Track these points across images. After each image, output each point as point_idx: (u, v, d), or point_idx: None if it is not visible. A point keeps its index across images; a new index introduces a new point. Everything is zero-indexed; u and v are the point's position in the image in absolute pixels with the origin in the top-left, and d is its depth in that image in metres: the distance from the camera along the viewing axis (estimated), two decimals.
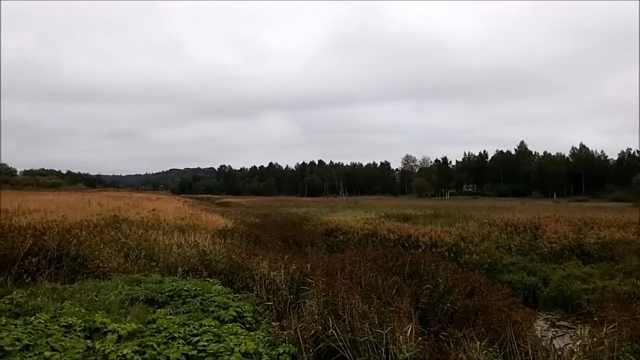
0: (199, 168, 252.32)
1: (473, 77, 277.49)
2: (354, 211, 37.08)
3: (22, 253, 9.98)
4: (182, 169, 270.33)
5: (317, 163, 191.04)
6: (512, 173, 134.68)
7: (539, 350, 5.92)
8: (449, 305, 7.83)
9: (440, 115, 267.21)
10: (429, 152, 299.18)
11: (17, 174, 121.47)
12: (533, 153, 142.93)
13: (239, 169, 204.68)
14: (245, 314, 7.43)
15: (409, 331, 5.81)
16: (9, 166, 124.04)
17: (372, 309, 6.46)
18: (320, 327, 6.37)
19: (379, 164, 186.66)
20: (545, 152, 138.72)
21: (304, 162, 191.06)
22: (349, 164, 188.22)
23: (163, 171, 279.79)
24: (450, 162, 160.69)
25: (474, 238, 21.42)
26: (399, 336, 5.71)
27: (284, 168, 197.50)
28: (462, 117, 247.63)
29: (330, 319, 6.37)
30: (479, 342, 5.92)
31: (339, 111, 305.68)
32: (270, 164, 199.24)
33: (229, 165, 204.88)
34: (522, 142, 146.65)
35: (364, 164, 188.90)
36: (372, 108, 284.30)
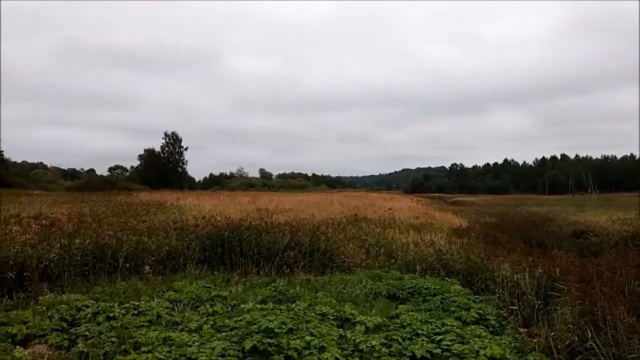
0: (429, 167, 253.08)
1: None
2: (607, 210, 32.59)
3: (282, 247, 11.43)
4: (413, 168, 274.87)
5: (559, 157, 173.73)
6: None
7: None
8: None
9: None
10: None
11: (273, 177, 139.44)
12: None
13: (471, 166, 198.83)
14: (488, 317, 7.15)
15: None
16: (267, 170, 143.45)
17: None
18: (576, 338, 5.76)
19: (638, 155, 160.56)
20: None
21: (543, 157, 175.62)
22: (599, 157, 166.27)
23: (395, 171, 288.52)
24: None
25: None
26: None
27: (520, 164, 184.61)
28: None
29: (588, 330, 5.71)
30: None
31: (582, 99, 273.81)
32: (505, 160, 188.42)
33: (461, 163, 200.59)
34: None
35: (619, 157, 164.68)
36: (624, 93, 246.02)
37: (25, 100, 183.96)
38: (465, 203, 62.35)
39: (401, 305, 7.89)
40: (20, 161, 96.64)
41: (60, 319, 6.52)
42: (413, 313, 7.19)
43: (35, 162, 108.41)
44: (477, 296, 8.59)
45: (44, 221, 12.49)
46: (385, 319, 6.87)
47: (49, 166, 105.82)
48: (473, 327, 6.49)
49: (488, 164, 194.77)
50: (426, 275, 10.27)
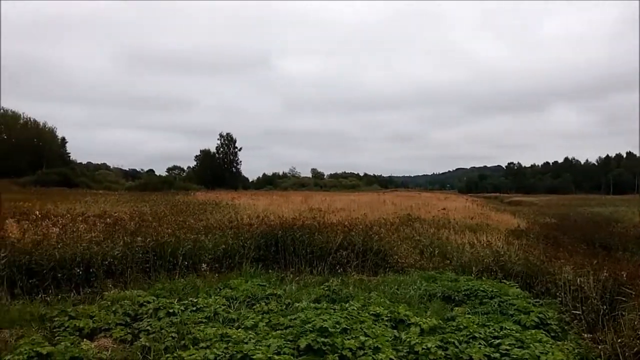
0: (485, 166, 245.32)
1: None
2: None
3: (334, 247, 11.45)
4: (468, 167, 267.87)
5: (624, 155, 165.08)
6: None
7: None
8: None
9: None
10: None
11: (325, 177, 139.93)
12: None
13: (529, 165, 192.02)
14: (549, 321, 6.90)
15: None
16: (319, 170, 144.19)
17: None
18: None
19: None
20: None
21: (607, 155, 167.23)
22: None
23: (449, 170, 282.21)
24: None
25: None
26: None
27: (582, 163, 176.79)
28: None
29: None
30: None
31: None
32: (566, 158, 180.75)
33: (518, 162, 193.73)
34: None
35: None
36: None
37: (90, 104, 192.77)
38: (523, 203, 60.23)
39: (457, 308, 7.74)
40: (85, 162, 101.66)
41: (124, 313, 6.82)
42: (470, 316, 7.05)
43: (99, 163, 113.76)
44: (537, 300, 8.30)
45: (107, 220, 13.08)
46: (440, 321, 6.77)
47: (111, 167, 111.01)
48: (533, 331, 6.28)
49: (547, 162, 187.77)
50: (483, 277, 10.00)
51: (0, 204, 18.16)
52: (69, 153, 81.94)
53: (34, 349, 5.09)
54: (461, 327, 6.35)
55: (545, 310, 7.30)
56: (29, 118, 73.59)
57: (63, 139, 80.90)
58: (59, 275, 8.74)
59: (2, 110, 69.77)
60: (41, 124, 75.21)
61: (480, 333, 6.07)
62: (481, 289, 8.49)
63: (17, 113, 72.49)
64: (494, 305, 7.69)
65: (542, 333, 6.24)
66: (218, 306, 7.23)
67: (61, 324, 6.37)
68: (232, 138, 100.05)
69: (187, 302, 7.37)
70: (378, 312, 6.93)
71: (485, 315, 7.19)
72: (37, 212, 13.56)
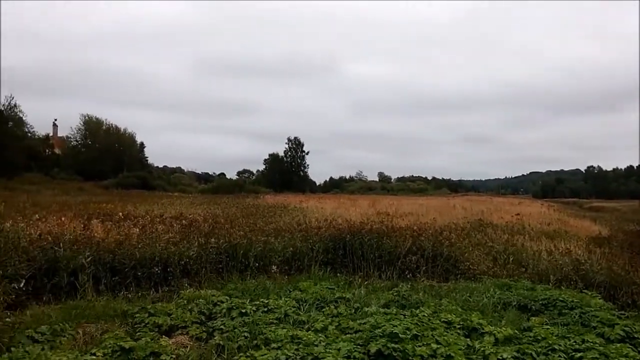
0: (562, 170, 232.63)
1: None
2: None
3: (403, 251, 11.31)
4: (543, 171, 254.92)
5: None
6: None
7: None
8: None
9: None
10: None
11: (392, 180, 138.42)
12: None
13: (610, 169, 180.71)
14: (636, 335, 6.45)
15: None
16: (386, 174, 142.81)
17: None
18: None
19: None
20: None
21: None
22: None
23: (523, 174, 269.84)
24: None
25: None
26: None
27: None
28: None
29: None
30: None
31: None
32: None
33: (598, 166, 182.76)
34: None
35: None
36: None
37: (166, 109, 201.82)
38: (605, 209, 56.75)
39: (534, 318, 7.42)
40: (161, 166, 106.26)
41: (199, 312, 7.09)
42: (548, 327, 6.73)
43: (174, 166, 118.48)
44: (622, 312, 7.82)
45: (183, 221, 13.63)
46: (516, 331, 6.52)
47: (185, 170, 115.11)
48: (618, 345, 5.90)
49: (631, 166, 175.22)
50: (561, 287, 9.54)
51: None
52: (147, 157, 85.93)
53: (118, 344, 5.39)
54: (539, 338, 6.07)
55: (632, 324, 6.83)
56: (111, 124, 77.94)
57: (142, 143, 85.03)
58: (139, 273, 9.20)
59: (86, 117, 74.40)
60: (122, 129, 79.55)
61: (560, 345, 5.77)
62: (560, 298, 8.09)
63: (100, 120, 76.98)
64: (574, 317, 7.30)
65: (628, 347, 5.86)
66: (288, 308, 7.34)
67: (141, 320, 6.71)
68: (299, 142, 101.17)
69: (258, 302, 7.54)
70: (450, 319, 6.76)
71: (565, 327, 6.84)
72: (120, 214, 14.36)
